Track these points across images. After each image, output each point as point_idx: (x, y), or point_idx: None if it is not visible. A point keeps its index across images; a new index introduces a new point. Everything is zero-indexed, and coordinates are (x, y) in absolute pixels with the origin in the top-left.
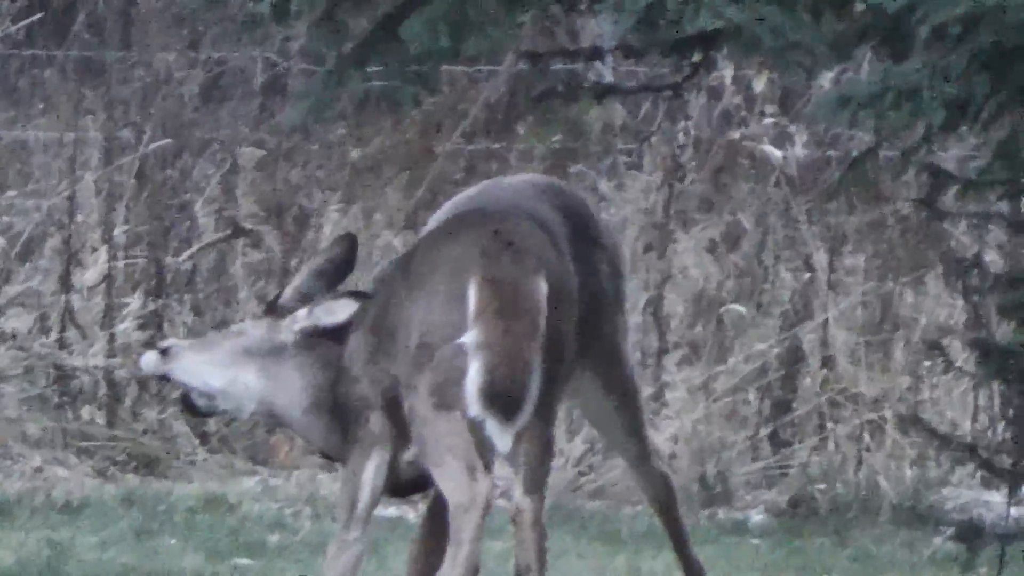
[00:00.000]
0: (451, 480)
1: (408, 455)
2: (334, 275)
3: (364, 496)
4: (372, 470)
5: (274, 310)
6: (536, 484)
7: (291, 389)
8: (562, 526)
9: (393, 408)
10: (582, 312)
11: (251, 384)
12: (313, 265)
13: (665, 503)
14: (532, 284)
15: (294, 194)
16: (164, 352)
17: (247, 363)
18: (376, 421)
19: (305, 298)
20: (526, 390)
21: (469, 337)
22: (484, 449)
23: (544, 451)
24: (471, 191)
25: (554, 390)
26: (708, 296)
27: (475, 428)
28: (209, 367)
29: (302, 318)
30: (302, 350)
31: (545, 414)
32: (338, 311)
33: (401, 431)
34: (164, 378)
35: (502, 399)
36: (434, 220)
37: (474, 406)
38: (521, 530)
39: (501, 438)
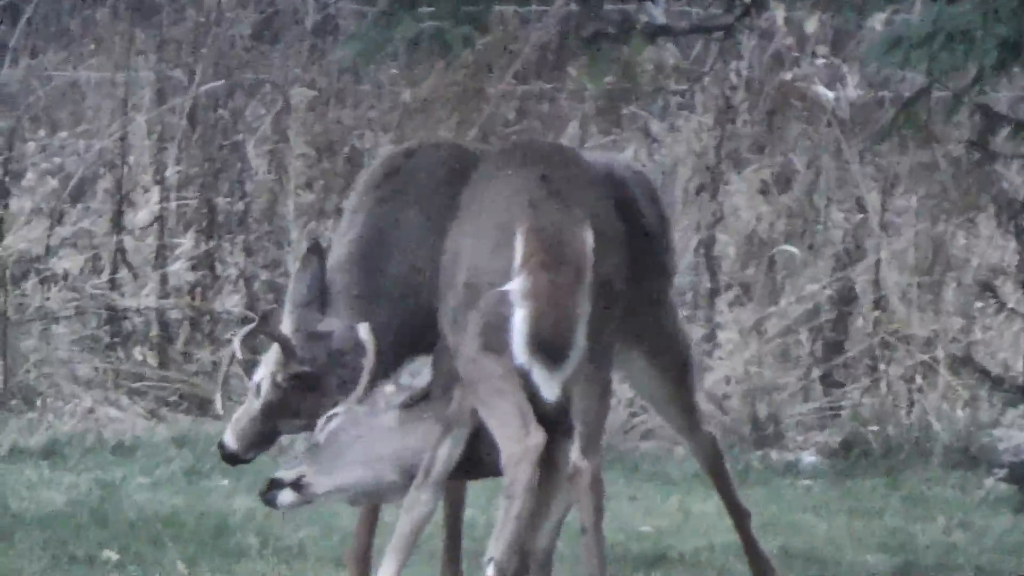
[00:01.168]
0: (503, 428)
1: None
2: (316, 293)
3: (438, 465)
4: (450, 444)
5: (309, 377)
6: (593, 443)
7: (420, 451)
8: (614, 468)
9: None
10: (633, 287)
11: (391, 474)
12: (296, 298)
13: (715, 464)
14: (578, 233)
15: (346, 135)
16: (296, 486)
17: (378, 460)
18: (459, 398)
19: (312, 337)
20: (571, 339)
21: (515, 285)
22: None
23: (600, 405)
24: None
25: (605, 338)
26: (760, 237)
27: (523, 376)
28: (347, 480)
29: (394, 394)
30: (408, 416)
31: (598, 362)
32: (423, 370)
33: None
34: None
35: (547, 347)
36: None
37: (520, 354)
38: (579, 490)
39: (547, 386)
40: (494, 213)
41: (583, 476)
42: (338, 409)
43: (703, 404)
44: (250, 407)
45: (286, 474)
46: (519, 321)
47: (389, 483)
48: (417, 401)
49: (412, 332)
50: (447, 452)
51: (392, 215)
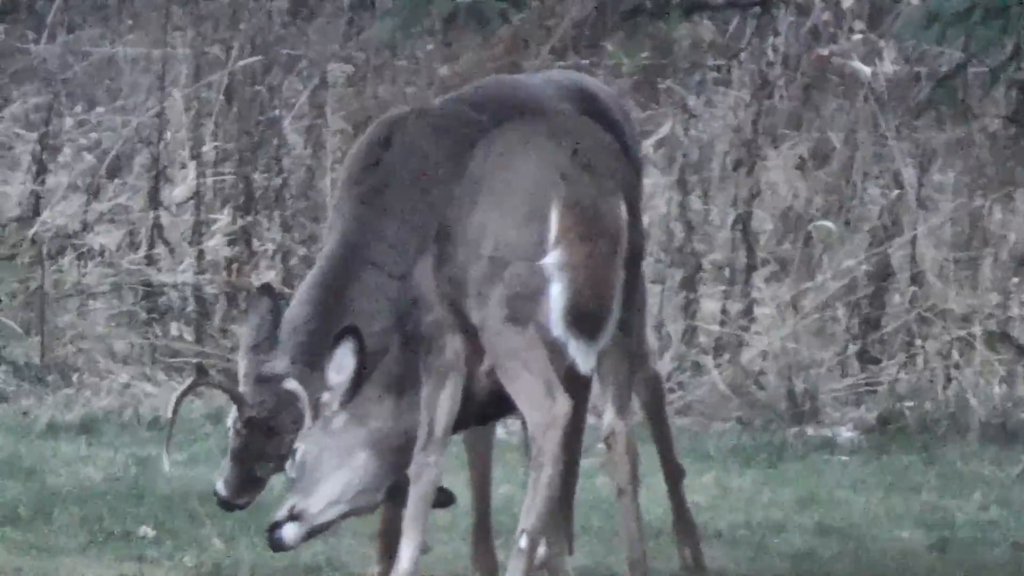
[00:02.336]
0: (529, 398)
1: (484, 367)
2: (266, 334)
3: (440, 421)
4: (448, 396)
5: (262, 421)
6: (625, 404)
7: (389, 428)
8: (650, 443)
9: (462, 320)
10: None
11: (372, 462)
12: (246, 342)
13: (655, 406)
14: (613, 205)
15: (382, 110)
16: (293, 517)
17: (351, 456)
18: (451, 346)
19: (260, 380)
20: (609, 310)
21: (551, 259)
22: (560, 365)
23: (629, 367)
24: (483, 89)
25: (635, 299)
26: (796, 212)
27: (552, 347)
28: (335, 490)
29: (329, 399)
30: (356, 405)
31: (627, 327)
32: (344, 361)
33: (474, 346)
34: (321, 529)
35: (586, 319)
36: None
37: (557, 327)
38: (615, 452)
39: (585, 358)
40: (524, 187)
41: (619, 437)
42: (296, 445)
43: (739, 378)
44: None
45: (280, 513)
46: (556, 294)
47: (375, 470)
48: (354, 389)
49: (380, 350)
50: (447, 403)
51: (370, 223)
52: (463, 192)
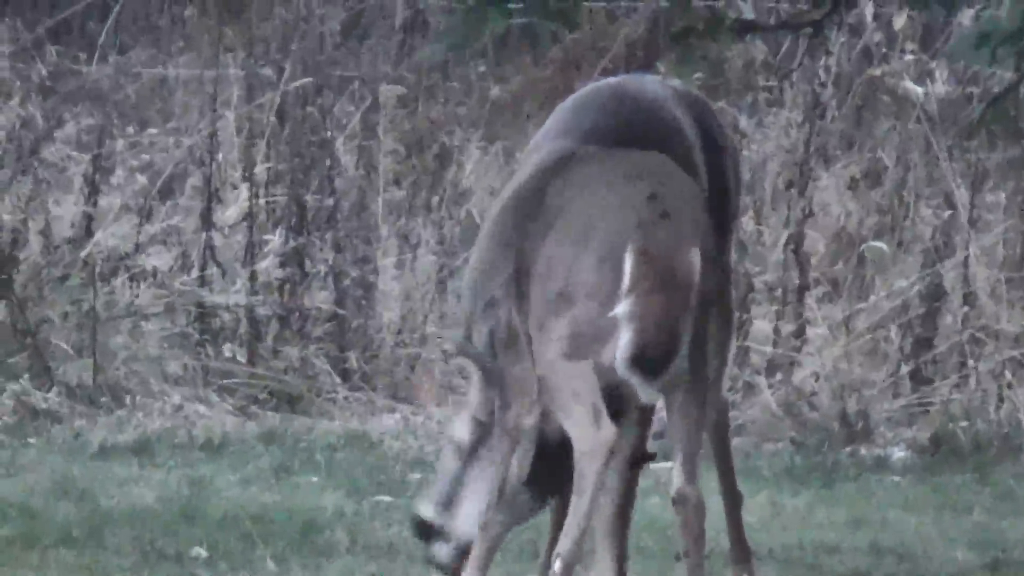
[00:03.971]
0: (576, 427)
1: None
2: None
3: (512, 479)
4: (522, 457)
5: None
6: (694, 468)
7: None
8: (704, 463)
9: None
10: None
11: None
12: None
13: (721, 434)
14: (687, 257)
15: (435, 132)
16: (439, 534)
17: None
18: (530, 410)
19: None
20: (673, 358)
21: (622, 308)
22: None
23: (701, 420)
24: (606, 103)
25: (705, 346)
26: (849, 233)
27: (614, 381)
28: (478, 502)
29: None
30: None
31: (699, 373)
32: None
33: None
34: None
35: (649, 363)
36: (566, 134)
37: (620, 368)
38: (684, 516)
39: (646, 392)
40: (599, 228)
41: (689, 503)
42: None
43: (791, 399)
44: None
45: (423, 514)
46: (624, 343)
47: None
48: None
49: None
50: (520, 466)
51: (531, 236)
52: (539, 223)
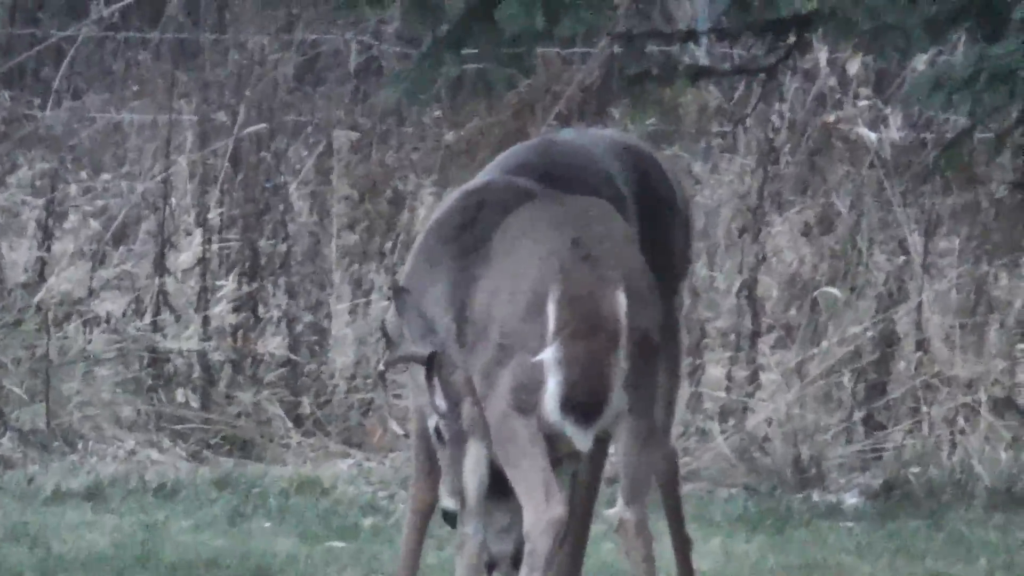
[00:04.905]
0: (526, 495)
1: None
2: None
3: (470, 489)
4: (471, 463)
5: None
6: (637, 493)
7: None
8: (657, 509)
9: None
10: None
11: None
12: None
13: (670, 481)
14: (611, 298)
15: (388, 177)
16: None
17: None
18: (468, 411)
19: None
20: (605, 401)
21: (547, 355)
22: (561, 451)
23: (644, 455)
24: (536, 147)
25: (650, 384)
26: (802, 279)
27: (550, 430)
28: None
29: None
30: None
31: (641, 412)
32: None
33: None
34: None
35: (581, 408)
36: (495, 170)
37: (553, 415)
38: (627, 542)
39: (581, 440)
40: (524, 276)
41: (630, 528)
42: None
43: (744, 444)
44: None
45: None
46: (553, 387)
47: None
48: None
49: None
50: (471, 471)
51: (470, 272)
52: (478, 273)
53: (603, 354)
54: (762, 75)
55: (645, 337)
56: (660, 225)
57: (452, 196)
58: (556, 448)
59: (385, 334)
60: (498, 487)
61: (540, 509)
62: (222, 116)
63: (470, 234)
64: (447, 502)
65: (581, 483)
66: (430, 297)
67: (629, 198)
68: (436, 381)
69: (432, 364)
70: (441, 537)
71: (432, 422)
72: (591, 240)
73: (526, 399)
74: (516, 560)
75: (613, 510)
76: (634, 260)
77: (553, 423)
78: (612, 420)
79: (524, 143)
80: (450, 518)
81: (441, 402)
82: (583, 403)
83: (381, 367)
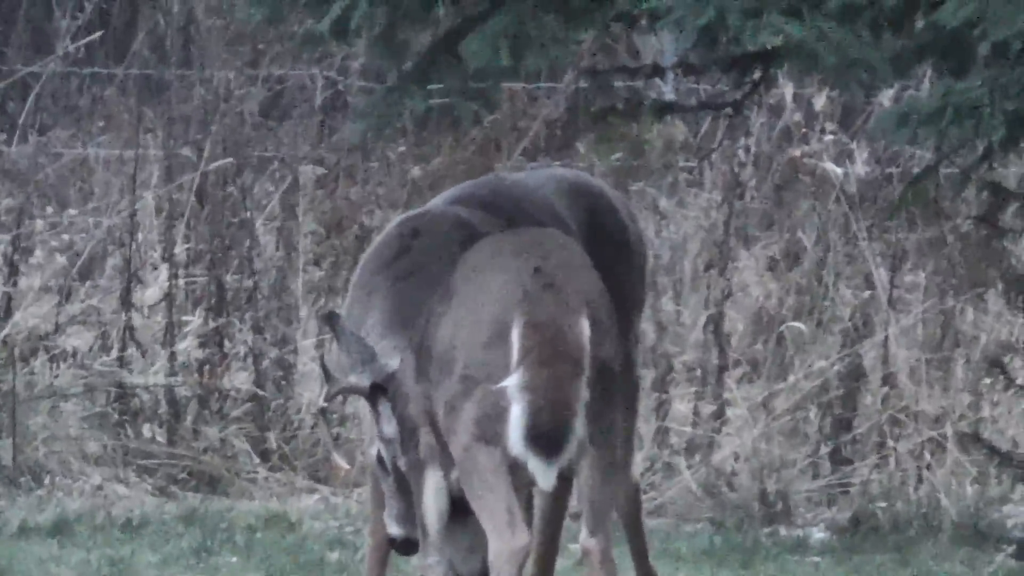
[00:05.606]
0: (491, 522)
1: (455, 473)
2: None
3: (430, 519)
4: (431, 492)
5: None
6: (600, 523)
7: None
8: (623, 544)
9: (436, 427)
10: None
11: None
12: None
13: (633, 514)
14: (575, 325)
15: (355, 212)
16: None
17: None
18: (425, 440)
19: None
20: (569, 430)
21: (512, 381)
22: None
23: (606, 485)
24: (482, 182)
25: (607, 420)
26: (768, 313)
27: (514, 465)
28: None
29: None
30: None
31: (603, 443)
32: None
33: (446, 449)
34: None
35: (544, 440)
36: (438, 202)
37: (516, 446)
38: (591, 571)
39: (544, 476)
40: (488, 306)
41: (593, 556)
42: None
43: (711, 479)
44: None
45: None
46: (516, 416)
47: None
48: None
49: None
50: (431, 500)
51: (411, 294)
52: (439, 307)
53: (567, 381)
54: (728, 110)
55: (606, 366)
56: (610, 262)
57: (389, 225)
58: (519, 479)
59: (324, 368)
60: (458, 509)
61: (505, 538)
62: (188, 151)
63: (405, 261)
64: (393, 529)
65: (545, 517)
66: (368, 326)
67: (575, 234)
68: (382, 409)
69: (375, 393)
70: (407, 572)
71: (375, 450)
72: (553, 268)
73: (490, 429)
74: None
75: (578, 542)
76: (595, 289)
77: (517, 455)
78: (575, 454)
79: (473, 180)
80: (400, 546)
81: (389, 429)
82: (547, 433)
83: (322, 403)
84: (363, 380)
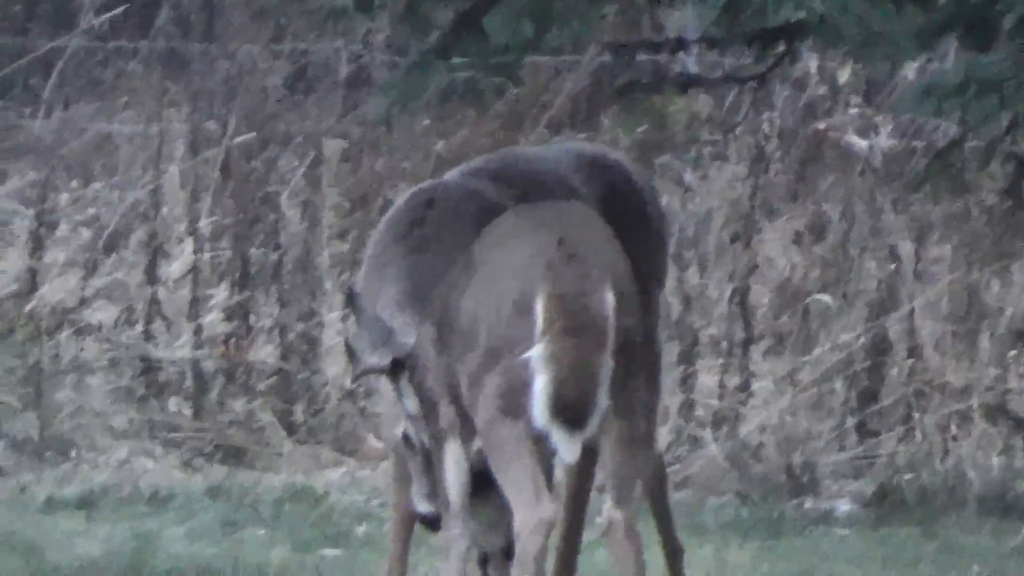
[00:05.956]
0: (516, 495)
1: (476, 445)
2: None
3: (452, 491)
4: (452, 464)
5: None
6: (625, 495)
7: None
8: (648, 517)
9: (457, 400)
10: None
11: None
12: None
13: (658, 488)
14: (599, 297)
15: (379, 185)
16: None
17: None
18: (445, 412)
19: None
20: (593, 402)
21: (535, 352)
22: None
23: (631, 457)
24: (497, 155)
25: (631, 392)
26: (794, 286)
27: (537, 438)
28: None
29: None
30: None
31: (627, 416)
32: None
33: (467, 422)
34: None
35: (568, 412)
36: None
37: (540, 418)
38: (615, 544)
39: (567, 448)
40: (512, 278)
41: (618, 528)
42: None
43: (737, 452)
44: None
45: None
46: (540, 388)
47: None
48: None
49: None
50: (453, 472)
51: (427, 266)
52: (461, 280)
53: (591, 353)
54: (752, 83)
55: (630, 338)
56: (628, 236)
57: (402, 197)
58: (543, 451)
59: (349, 349)
60: (481, 484)
61: (530, 510)
62: (212, 125)
63: (420, 232)
64: (422, 507)
65: (570, 492)
66: (383, 299)
67: (591, 207)
68: (403, 385)
69: (396, 371)
70: (432, 546)
71: (400, 428)
72: (576, 240)
73: (514, 401)
74: (508, 552)
75: (602, 515)
76: (619, 261)
77: (541, 428)
78: (598, 427)
79: (496, 152)
80: (428, 522)
81: (412, 405)
82: (571, 404)
83: (348, 384)
84: (383, 358)
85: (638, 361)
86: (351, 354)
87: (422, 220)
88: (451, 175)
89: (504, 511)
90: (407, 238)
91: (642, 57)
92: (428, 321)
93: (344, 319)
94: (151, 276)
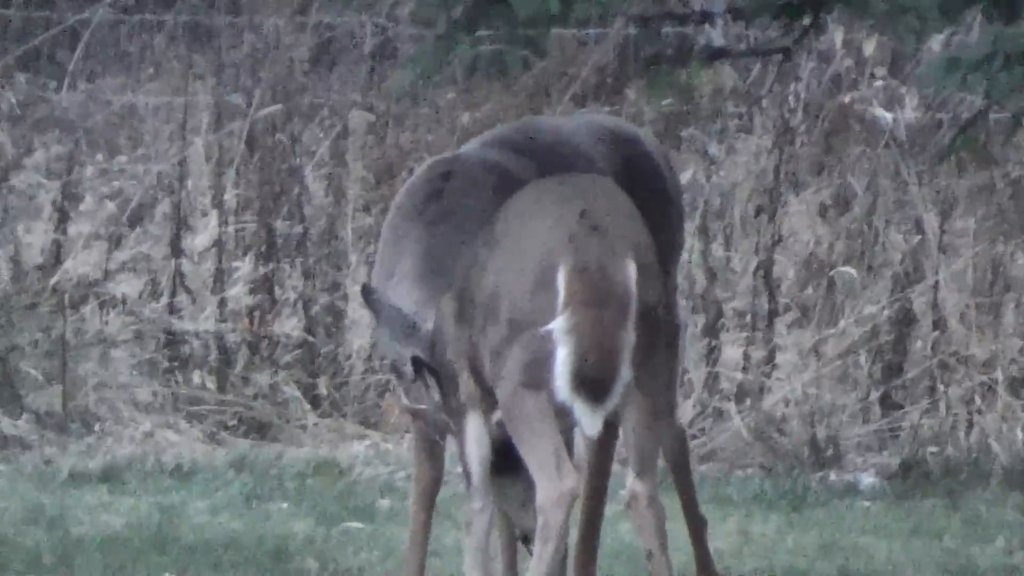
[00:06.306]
0: (539, 469)
1: (496, 417)
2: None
3: (473, 464)
4: (472, 439)
5: None
6: (647, 467)
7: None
8: (673, 490)
9: (477, 373)
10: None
11: None
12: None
13: (680, 460)
14: (621, 269)
15: (404, 158)
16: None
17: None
18: (464, 384)
19: None
20: (615, 375)
21: (558, 324)
22: (569, 433)
23: (653, 429)
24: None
25: (652, 365)
26: (819, 259)
27: (563, 411)
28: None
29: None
30: None
31: (648, 388)
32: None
33: (487, 394)
34: None
35: (590, 384)
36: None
37: (563, 391)
38: (638, 515)
39: (589, 422)
40: (534, 250)
41: (640, 500)
42: None
43: (761, 425)
44: None
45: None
46: (562, 360)
47: None
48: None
49: None
50: (473, 446)
51: (444, 239)
52: (482, 253)
53: (613, 325)
54: (778, 56)
55: (652, 310)
56: (646, 209)
57: (419, 168)
58: (565, 424)
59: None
60: (511, 463)
61: (552, 482)
62: (237, 98)
63: (437, 205)
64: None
65: (592, 466)
66: (400, 271)
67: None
68: (428, 380)
69: (419, 365)
70: (454, 519)
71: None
72: (599, 213)
73: (536, 374)
74: None
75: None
76: (641, 233)
77: (563, 400)
78: (620, 400)
79: (513, 123)
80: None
81: (437, 395)
82: (593, 377)
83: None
84: (406, 353)
85: (660, 334)
86: (397, 373)
87: (440, 192)
88: (469, 146)
89: (534, 491)
90: (424, 211)
91: (668, 29)
92: (448, 294)
93: None
94: (175, 249)
